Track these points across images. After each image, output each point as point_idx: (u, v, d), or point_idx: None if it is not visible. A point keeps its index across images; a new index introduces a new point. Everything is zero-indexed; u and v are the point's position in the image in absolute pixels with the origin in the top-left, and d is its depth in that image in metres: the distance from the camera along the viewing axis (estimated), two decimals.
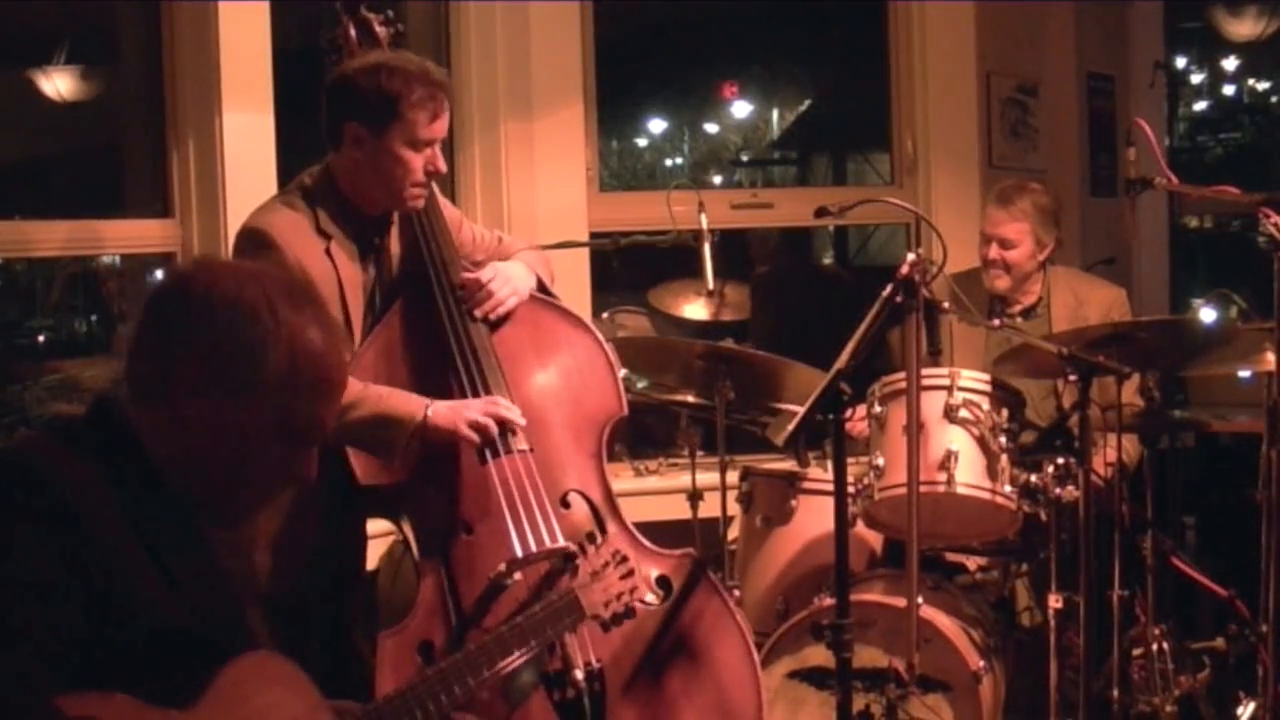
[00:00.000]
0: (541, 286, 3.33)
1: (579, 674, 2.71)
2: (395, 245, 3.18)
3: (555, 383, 3.19)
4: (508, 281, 3.18)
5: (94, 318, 5.56)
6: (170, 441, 1.84)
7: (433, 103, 3.00)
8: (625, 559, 2.70)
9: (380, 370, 3.05)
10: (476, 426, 2.94)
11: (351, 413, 2.88)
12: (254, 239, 2.98)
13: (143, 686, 1.72)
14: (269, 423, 1.85)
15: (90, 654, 1.70)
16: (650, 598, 3.00)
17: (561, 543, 2.94)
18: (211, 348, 1.82)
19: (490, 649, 2.35)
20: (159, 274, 4.23)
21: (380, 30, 3.22)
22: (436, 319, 3.09)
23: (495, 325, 3.16)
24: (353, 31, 3.20)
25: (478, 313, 3.11)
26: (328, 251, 3.02)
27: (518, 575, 2.87)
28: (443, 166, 3.09)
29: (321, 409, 1.90)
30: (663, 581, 3.04)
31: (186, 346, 1.82)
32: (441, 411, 2.95)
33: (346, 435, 2.94)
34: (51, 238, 4.13)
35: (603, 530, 3.07)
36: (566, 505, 3.05)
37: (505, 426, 2.98)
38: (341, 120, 3.00)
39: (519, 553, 2.91)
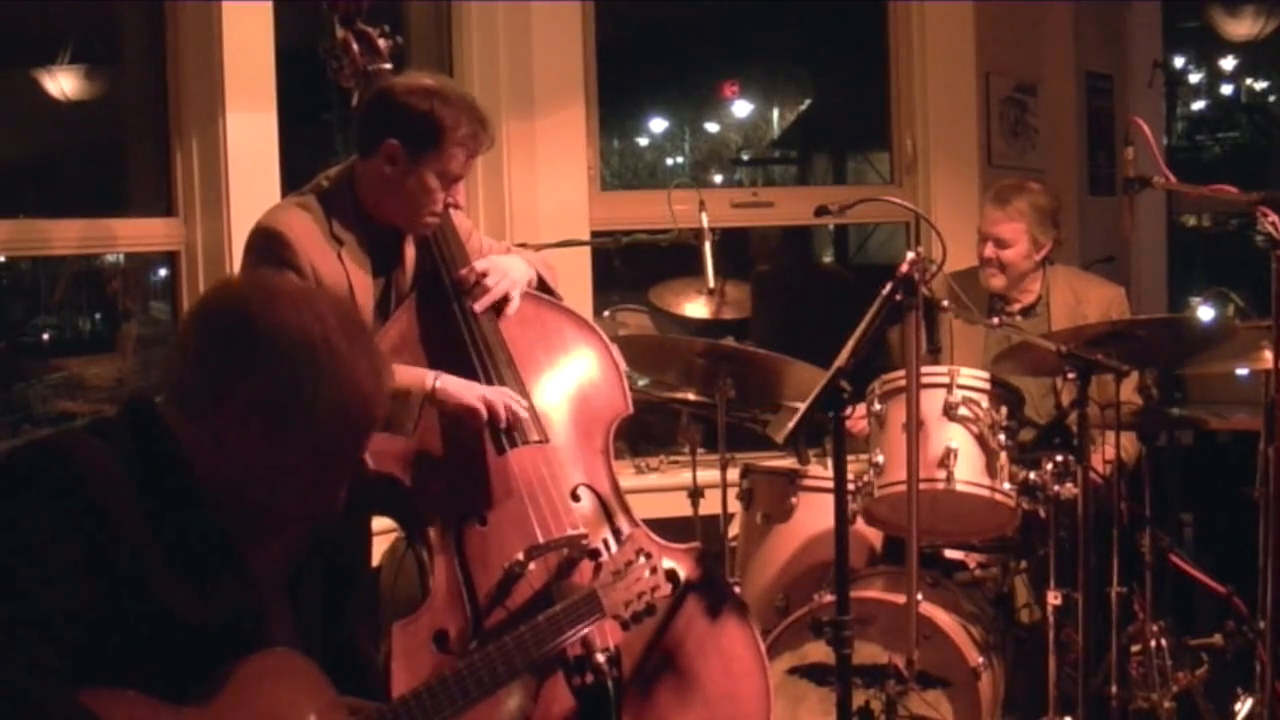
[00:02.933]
0: (543, 285, 3.35)
1: (601, 658, 2.72)
2: (410, 256, 3.19)
3: (564, 381, 3.22)
4: (504, 274, 3.18)
5: (98, 316, 5.58)
6: (209, 454, 1.85)
7: (474, 142, 3.03)
8: (650, 555, 2.72)
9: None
10: (485, 402, 2.95)
11: None
12: (268, 238, 2.99)
13: (158, 683, 1.73)
14: (308, 454, 1.86)
15: (107, 649, 1.71)
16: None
17: (575, 531, 2.97)
18: (271, 376, 1.82)
19: (509, 650, 2.35)
20: (161, 272, 4.24)
21: (382, 43, 3.22)
22: (450, 318, 3.12)
23: (501, 315, 3.18)
24: (354, 45, 3.20)
25: (476, 307, 3.12)
26: (339, 257, 3.04)
27: (532, 565, 2.90)
28: (462, 202, 3.12)
29: (360, 445, 1.93)
30: (671, 575, 3.06)
31: (246, 371, 1.83)
32: (451, 381, 2.98)
33: None
34: (56, 236, 4.15)
35: (611, 523, 3.09)
36: (576, 499, 3.08)
37: (512, 416, 3.00)
38: (382, 134, 3.00)
39: (540, 539, 2.94)
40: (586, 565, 2.96)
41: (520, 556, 2.91)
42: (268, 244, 2.99)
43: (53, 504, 1.71)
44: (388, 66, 3.21)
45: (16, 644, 1.63)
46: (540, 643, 2.43)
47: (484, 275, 3.15)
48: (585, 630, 2.62)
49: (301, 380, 1.83)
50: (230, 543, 1.89)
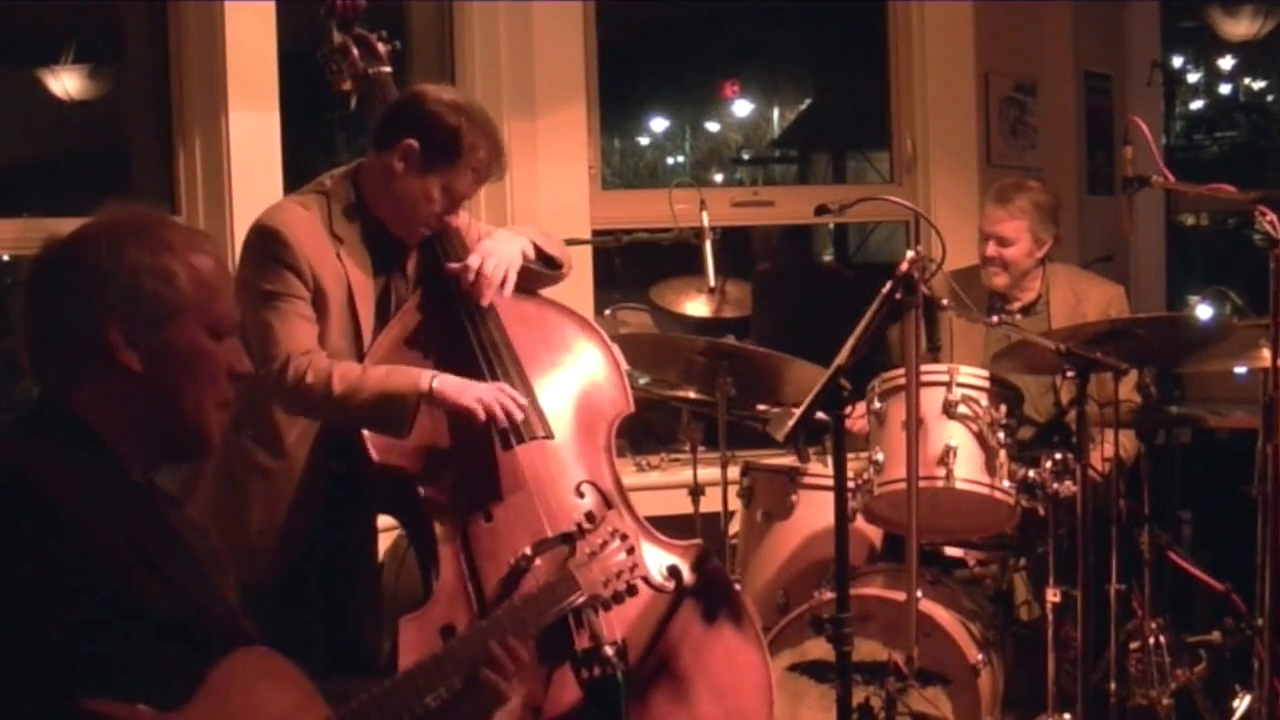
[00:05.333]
0: (542, 255, 3.32)
1: (610, 651, 2.72)
2: (413, 260, 3.19)
3: (567, 380, 3.23)
4: (495, 262, 3.14)
5: None
6: (129, 404, 1.86)
7: (486, 170, 3.07)
8: (625, 536, 2.72)
9: (396, 362, 3.08)
10: (483, 405, 2.94)
11: (355, 397, 2.92)
12: (265, 236, 3.01)
13: (134, 685, 1.72)
14: (201, 331, 1.89)
15: (90, 657, 1.70)
16: (660, 579, 3.04)
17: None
18: (125, 295, 1.84)
19: (486, 634, 2.35)
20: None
21: (381, 47, 3.24)
22: (454, 317, 3.12)
23: (502, 311, 3.18)
24: (353, 49, 3.21)
25: (483, 302, 3.11)
26: (338, 256, 3.05)
27: (539, 560, 2.91)
28: (456, 221, 3.14)
29: (230, 301, 1.97)
30: (674, 570, 3.08)
31: (103, 307, 1.84)
32: (449, 381, 2.96)
33: (354, 419, 2.97)
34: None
35: None
36: (580, 495, 3.09)
37: (509, 415, 2.99)
38: (403, 133, 3.01)
39: (549, 534, 2.95)
40: None
41: (528, 551, 2.93)
42: (264, 243, 3.00)
43: (21, 528, 1.70)
44: (387, 69, 3.23)
45: (29, 669, 1.63)
46: (518, 625, 2.40)
47: (480, 268, 3.12)
48: (565, 611, 2.59)
49: (151, 277, 1.86)
50: (166, 521, 1.90)
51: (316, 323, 3.02)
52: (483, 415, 2.94)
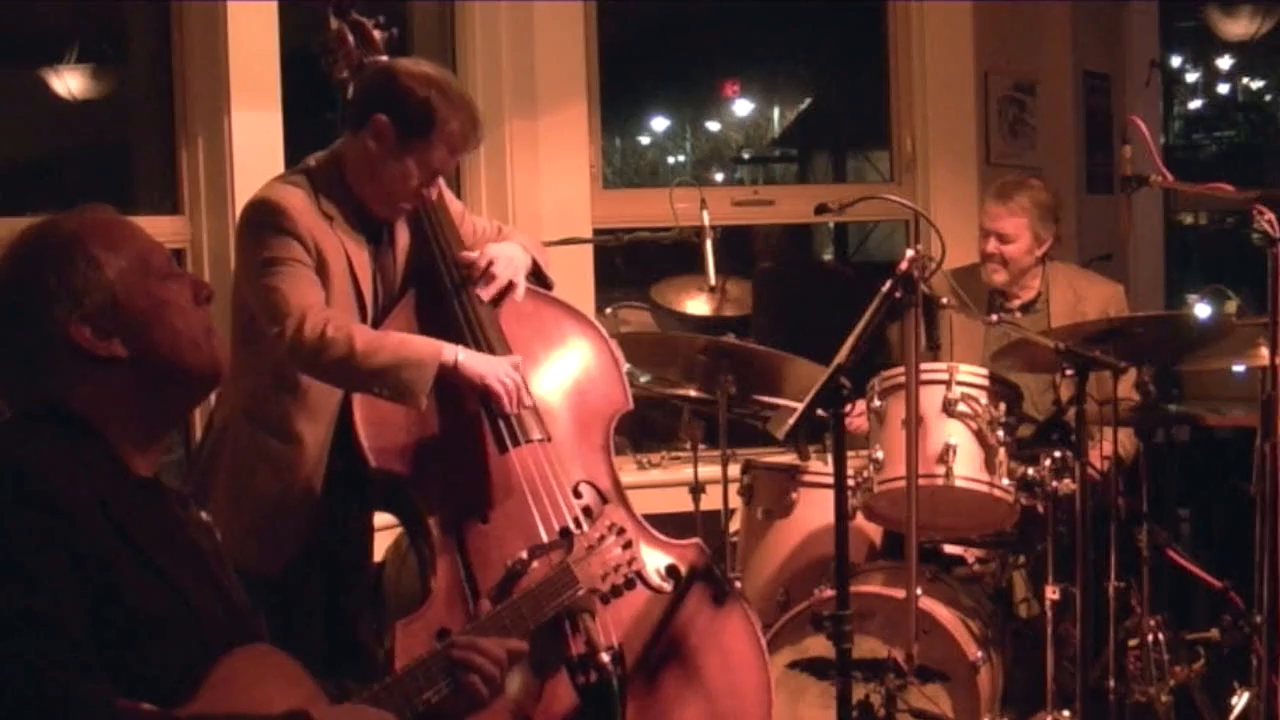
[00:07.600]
0: (537, 269, 3.33)
1: (605, 657, 2.69)
2: (402, 241, 3.19)
3: (564, 377, 3.23)
4: (508, 262, 3.17)
5: None
6: (130, 388, 1.87)
7: (462, 141, 3.04)
8: (622, 530, 2.70)
9: None
10: (505, 389, 2.93)
11: (371, 359, 2.87)
12: (265, 209, 2.98)
13: (138, 681, 1.72)
14: (151, 281, 1.89)
15: (88, 647, 1.70)
16: (657, 580, 3.04)
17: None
18: (70, 301, 1.84)
19: (486, 630, 2.33)
20: None
21: (377, 34, 3.21)
22: (450, 314, 3.11)
23: (503, 302, 3.18)
24: (349, 36, 3.19)
25: (484, 295, 3.11)
26: (332, 230, 3.03)
27: (535, 564, 2.91)
28: (433, 196, 3.12)
29: (148, 236, 1.96)
30: (671, 570, 3.08)
31: (57, 323, 1.84)
32: (476, 358, 2.94)
33: (367, 382, 2.92)
34: None
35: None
36: (578, 495, 3.08)
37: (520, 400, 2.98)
38: (374, 109, 2.99)
39: (544, 538, 2.94)
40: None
41: (524, 555, 2.90)
42: (265, 215, 2.97)
43: (25, 517, 1.70)
44: (383, 59, 3.19)
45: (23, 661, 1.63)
46: (519, 623, 2.39)
47: (491, 264, 3.14)
48: (565, 605, 2.57)
49: (71, 273, 1.85)
50: (170, 515, 1.91)
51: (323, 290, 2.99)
52: (504, 398, 2.92)
